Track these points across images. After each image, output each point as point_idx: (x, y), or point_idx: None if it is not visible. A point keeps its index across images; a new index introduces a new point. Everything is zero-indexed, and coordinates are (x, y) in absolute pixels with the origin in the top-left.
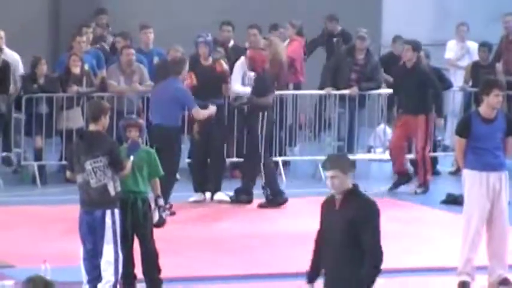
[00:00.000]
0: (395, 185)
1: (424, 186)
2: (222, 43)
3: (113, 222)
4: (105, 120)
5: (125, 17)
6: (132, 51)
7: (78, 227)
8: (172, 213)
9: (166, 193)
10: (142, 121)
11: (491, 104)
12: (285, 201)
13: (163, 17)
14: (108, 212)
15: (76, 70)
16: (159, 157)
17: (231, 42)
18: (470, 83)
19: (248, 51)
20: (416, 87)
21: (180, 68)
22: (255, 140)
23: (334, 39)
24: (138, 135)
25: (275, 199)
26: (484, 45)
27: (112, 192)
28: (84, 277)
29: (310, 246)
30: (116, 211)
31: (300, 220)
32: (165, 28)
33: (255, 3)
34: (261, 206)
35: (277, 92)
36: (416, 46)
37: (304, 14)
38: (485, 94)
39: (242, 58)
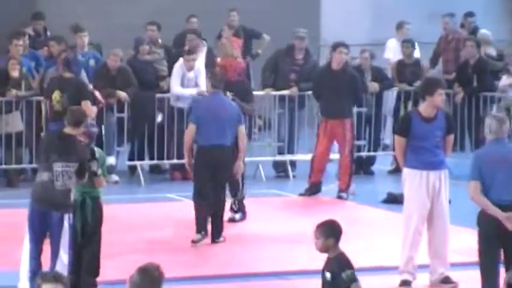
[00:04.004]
0: (307, 193)
1: (347, 189)
2: (148, 42)
3: (70, 226)
4: (80, 130)
5: (61, 20)
6: None
7: (29, 225)
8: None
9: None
10: (95, 129)
11: (435, 103)
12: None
13: (99, 19)
14: (67, 216)
15: (15, 74)
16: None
17: (159, 42)
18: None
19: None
20: (343, 90)
21: (223, 82)
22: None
23: None
24: (88, 142)
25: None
26: (407, 42)
27: (72, 198)
28: (26, 274)
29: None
30: (71, 216)
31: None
32: (101, 30)
33: (189, 4)
34: (231, 220)
35: None
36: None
37: (241, 14)
38: (429, 94)
39: (181, 60)
